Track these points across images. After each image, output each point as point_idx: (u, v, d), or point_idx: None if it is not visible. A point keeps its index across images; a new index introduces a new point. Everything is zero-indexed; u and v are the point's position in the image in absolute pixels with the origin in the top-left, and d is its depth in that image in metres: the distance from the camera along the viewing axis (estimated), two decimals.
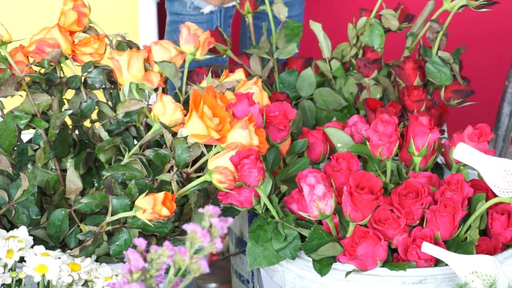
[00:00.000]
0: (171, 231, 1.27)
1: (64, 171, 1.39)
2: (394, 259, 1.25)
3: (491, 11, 1.72)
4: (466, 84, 1.64)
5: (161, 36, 2.35)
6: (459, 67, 1.61)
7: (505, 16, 2.07)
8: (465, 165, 1.35)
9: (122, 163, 1.34)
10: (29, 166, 1.37)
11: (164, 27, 2.29)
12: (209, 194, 1.36)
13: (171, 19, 2.14)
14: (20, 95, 1.40)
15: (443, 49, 1.64)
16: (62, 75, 1.46)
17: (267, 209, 1.31)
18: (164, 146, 1.35)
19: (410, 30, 1.72)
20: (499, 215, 1.28)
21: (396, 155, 1.40)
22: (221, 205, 1.33)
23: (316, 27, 1.70)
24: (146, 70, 1.45)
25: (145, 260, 0.86)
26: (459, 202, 1.27)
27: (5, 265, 1.14)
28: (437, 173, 1.40)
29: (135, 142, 1.42)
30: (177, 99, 1.42)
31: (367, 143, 1.38)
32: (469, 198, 1.30)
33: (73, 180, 1.32)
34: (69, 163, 1.36)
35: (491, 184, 1.22)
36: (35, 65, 1.44)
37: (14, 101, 1.43)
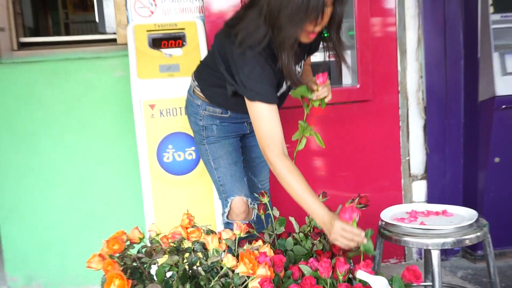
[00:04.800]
0: None
1: None
2: None
3: (366, 209, 1.71)
4: None
5: None
6: None
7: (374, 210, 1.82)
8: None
9: (211, 285, 1.34)
10: None
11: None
12: None
13: None
14: (165, 257, 1.45)
15: None
16: (183, 247, 1.49)
17: None
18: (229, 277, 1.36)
19: None
20: None
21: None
22: None
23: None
24: (219, 242, 1.45)
25: None
26: None
27: None
28: (350, 283, 1.40)
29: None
30: (233, 255, 1.42)
31: (318, 271, 1.41)
32: None
33: None
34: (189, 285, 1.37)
35: (374, 287, 1.30)
36: (171, 243, 1.49)
37: (161, 260, 1.45)
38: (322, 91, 1.71)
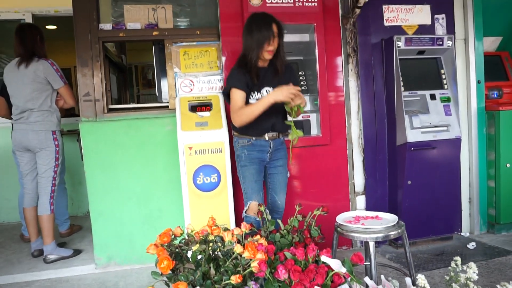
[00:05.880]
0: None
1: None
2: None
3: (327, 214, 1.63)
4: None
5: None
6: None
7: None
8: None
9: (226, 264, 1.31)
10: None
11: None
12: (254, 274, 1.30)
13: None
14: (197, 246, 1.41)
15: None
16: (209, 239, 1.45)
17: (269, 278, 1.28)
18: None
19: None
20: (342, 278, 1.23)
21: None
22: (259, 278, 1.31)
23: None
24: (232, 236, 1.40)
25: None
26: (324, 273, 1.25)
27: None
28: (317, 264, 1.32)
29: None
30: (241, 245, 1.38)
31: (296, 256, 1.34)
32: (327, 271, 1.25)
33: None
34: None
35: (332, 266, 1.23)
36: (201, 237, 1.46)
37: (194, 248, 1.40)
38: (296, 99, 1.71)
